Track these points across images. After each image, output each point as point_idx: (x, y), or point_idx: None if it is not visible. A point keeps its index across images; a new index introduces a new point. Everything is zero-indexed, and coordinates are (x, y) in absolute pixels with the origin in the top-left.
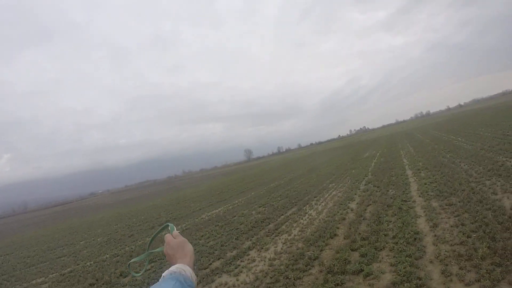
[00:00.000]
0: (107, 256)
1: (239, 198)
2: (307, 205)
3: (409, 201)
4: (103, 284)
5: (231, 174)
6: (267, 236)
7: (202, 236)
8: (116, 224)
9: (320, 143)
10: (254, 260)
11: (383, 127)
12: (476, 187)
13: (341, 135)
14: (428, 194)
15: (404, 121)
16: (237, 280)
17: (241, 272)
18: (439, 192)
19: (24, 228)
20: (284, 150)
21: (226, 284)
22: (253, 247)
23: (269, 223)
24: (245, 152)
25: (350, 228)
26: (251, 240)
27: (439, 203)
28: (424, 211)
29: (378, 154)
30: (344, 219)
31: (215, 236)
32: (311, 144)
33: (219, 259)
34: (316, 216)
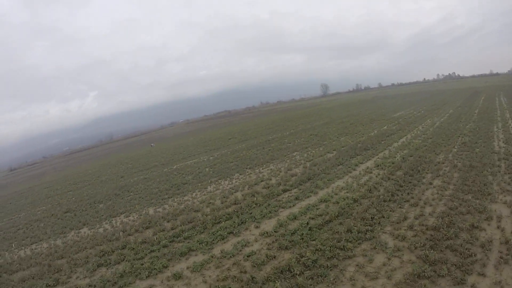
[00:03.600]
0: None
1: (227, 148)
2: (228, 179)
3: (247, 245)
4: None
5: (286, 111)
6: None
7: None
8: (110, 169)
9: (401, 85)
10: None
11: (473, 77)
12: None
13: (426, 79)
14: (283, 240)
15: (497, 74)
16: None
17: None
18: (289, 241)
19: (76, 163)
20: (363, 88)
21: None
22: (125, 213)
23: (182, 190)
24: (322, 87)
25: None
26: (138, 206)
27: None
28: None
29: (403, 117)
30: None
31: (140, 192)
32: (392, 84)
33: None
34: (196, 197)
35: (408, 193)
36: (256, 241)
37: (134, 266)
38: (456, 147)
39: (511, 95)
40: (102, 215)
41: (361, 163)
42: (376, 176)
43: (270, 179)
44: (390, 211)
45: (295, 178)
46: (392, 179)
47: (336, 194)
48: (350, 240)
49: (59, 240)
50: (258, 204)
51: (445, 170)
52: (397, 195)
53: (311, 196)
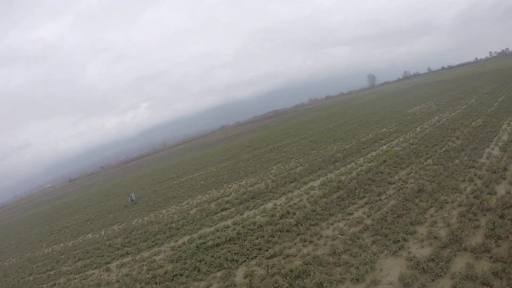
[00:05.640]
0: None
1: (237, 158)
2: (203, 194)
3: (157, 254)
4: None
5: (322, 110)
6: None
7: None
8: (141, 180)
9: (450, 68)
10: None
11: None
12: None
13: (478, 58)
14: (174, 255)
15: None
16: None
17: None
18: (177, 257)
19: (122, 174)
20: (411, 75)
21: None
22: (117, 223)
23: (166, 204)
24: (368, 78)
25: None
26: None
27: None
28: None
29: (415, 113)
30: None
31: (141, 204)
32: (442, 68)
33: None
34: (169, 211)
35: (314, 224)
36: (164, 252)
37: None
38: (434, 157)
39: None
40: (104, 224)
41: (313, 180)
42: (307, 199)
43: (230, 195)
44: (275, 243)
45: (245, 196)
46: (318, 203)
47: (254, 217)
48: (213, 265)
49: (73, 241)
50: (194, 222)
51: (386, 194)
52: (302, 225)
53: (234, 217)
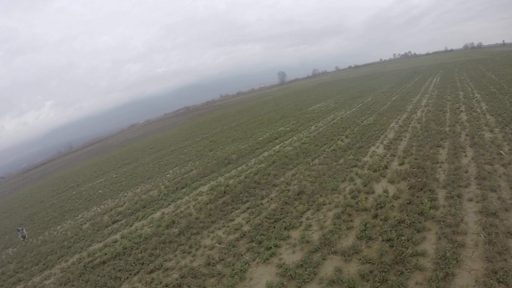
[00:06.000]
0: None
1: (138, 162)
2: (99, 205)
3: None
4: None
5: (232, 106)
6: None
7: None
8: (40, 192)
9: (356, 67)
10: None
11: (427, 54)
12: None
13: (382, 59)
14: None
15: (452, 51)
16: None
17: None
18: (67, 277)
19: (19, 187)
20: (320, 73)
21: None
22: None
23: (61, 219)
24: (279, 75)
25: None
26: None
27: None
28: None
29: (315, 111)
30: None
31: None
32: (349, 67)
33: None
34: (64, 227)
35: (195, 233)
36: (55, 275)
37: None
38: (322, 156)
39: (447, 74)
40: None
41: (203, 184)
42: (194, 206)
43: (123, 205)
44: (157, 256)
45: (137, 205)
46: (203, 210)
47: (142, 228)
48: (98, 285)
49: None
50: (85, 237)
51: (268, 198)
52: (184, 234)
53: (123, 230)
